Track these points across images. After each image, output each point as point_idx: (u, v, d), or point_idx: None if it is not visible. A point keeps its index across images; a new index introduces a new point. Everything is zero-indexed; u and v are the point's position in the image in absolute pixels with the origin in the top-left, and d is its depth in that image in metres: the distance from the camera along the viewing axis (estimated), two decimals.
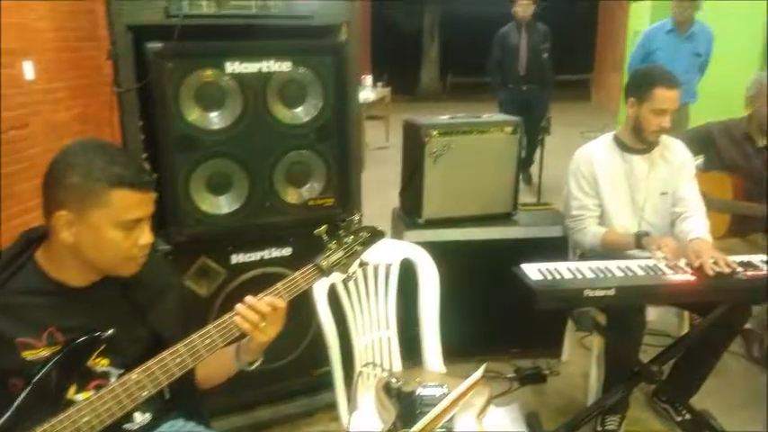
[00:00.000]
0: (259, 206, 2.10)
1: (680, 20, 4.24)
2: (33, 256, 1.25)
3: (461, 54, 14.23)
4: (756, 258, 2.01)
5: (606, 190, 2.33)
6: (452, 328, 2.62)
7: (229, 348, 1.35)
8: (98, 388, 1.21)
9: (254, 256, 2.16)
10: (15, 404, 1.14)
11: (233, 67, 1.98)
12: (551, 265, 1.99)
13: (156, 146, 1.96)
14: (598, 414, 2.19)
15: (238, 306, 1.26)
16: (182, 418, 1.41)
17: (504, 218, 2.79)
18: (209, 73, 1.96)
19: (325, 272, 1.37)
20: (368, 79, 7.98)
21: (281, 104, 2.07)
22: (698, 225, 2.23)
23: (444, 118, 2.76)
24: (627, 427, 2.30)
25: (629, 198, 2.34)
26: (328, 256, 1.37)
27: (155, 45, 1.88)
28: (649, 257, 2.05)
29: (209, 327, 1.24)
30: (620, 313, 2.06)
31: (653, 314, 2.62)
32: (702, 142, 2.73)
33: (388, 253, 1.88)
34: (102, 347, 1.25)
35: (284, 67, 2.03)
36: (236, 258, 2.14)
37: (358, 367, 1.78)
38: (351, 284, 1.77)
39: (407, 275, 1.96)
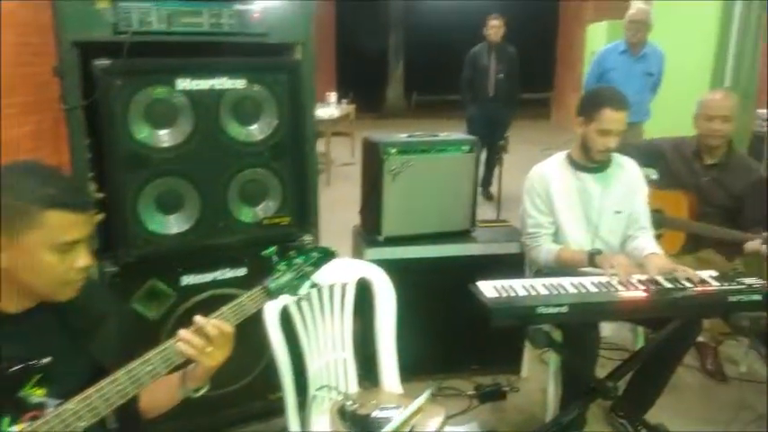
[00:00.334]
0: (211, 226, 2.06)
1: (633, 41, 4.37)
2: None
3: (426, 73, 14.45)
4: (706, 274, 2.05)
5: (560, 207, 2.36)
6: (412, 346, 2.60)
7: (175, 375, 1.30)
8: (34, 419, 1.15)
9: (206, 277, 2.10)
10: None
11: (184, 84, 1.94)
12: (506, 283, 2.00)
13: (104, 164, 1.91)
14: (556, 431, 2.19)
15: (181, 332, 1.22)
16: None
17: (463, 235, 2.81)
18: (159, 90, 1.92)
19: (273, 294, 1.34)
20: (332, 96, 7.98)
21: (235, 122, 2.04)
22: (650, 242, 2.29)
23: (403, 136, 2.77)
24: None
25: (582, 216, 2.37)
26: (277, 278, 1.34)
27: (102, 62, 1.84)
28: (602, 274, 2.07)
29: (152, 352, 1.20)
30: (575, 329, 2.08)
31: (608, 329, 2.66)
32: (653, 156, 2.79)
33: (344, 272, 1.85)
34: (37, 377, 1.19)
35: (238, 84, 2.01)
36: (187, 280, 2.08)
37: (312, 391, 1.73)
38: (305, 305, 1.73)
39: (366, 294, 1.94)
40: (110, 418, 1.26)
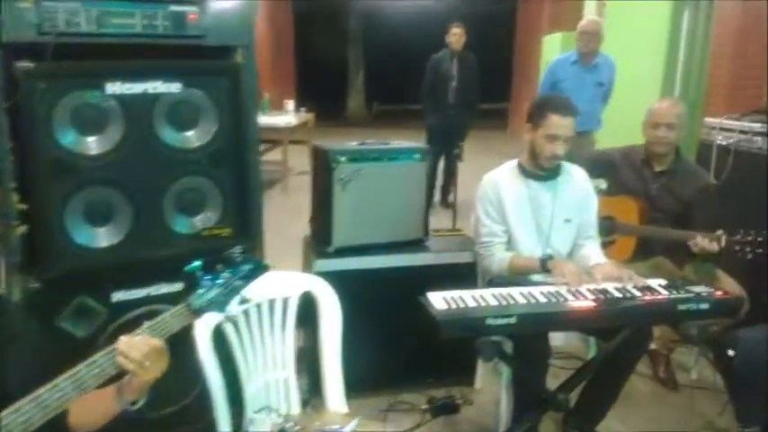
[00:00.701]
0: (145, 238, 1.94)
1: (584, 51, 4.42)
2: None
3: (386, 83, 14.53)
4: (655, 282, 2.03)
5: (512, 215, 2.33)
6: (364, 360, 2.53)
7: (108, 388, 1.24)
8: None
9: (139, 292, 1.98)
10: None
11: (114, 88, 1.83)
12: (456, 294, 1.94)
13: (27, 172, 1.78)
14: None
15: (121, 344, 1.17)
16: None
17: (416, 245, 2.75)
18: (87, 94, 1.81)
19: (197, 312, 1.25)
20: (290, 104, 7.88)
21: (170, 128, 1.94)
22: (596, 251, 2.30)
23: (353, 144, 2.71)
24: None
25: (533, 224, 2.35)
26: (202, 295, 1.26)
27: (24, 64, 1.72)
28: (553, 283, 2.05)
29: (80, 366, 1.14)
30: (524, 340, 2.03)
31: (560, 338, 2.63)
32: (604, 166, 2.80)
33: (286, 286, 1.76)
34: None
35: (173, 88, 1.90)
36: (118, 296, 1.96)
37: (250, 413, 1.63)
38: (241, 322, 1.63)
39: (313, 309, 1.85)
40: None
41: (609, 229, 2.72)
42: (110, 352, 1.17)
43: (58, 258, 1.83)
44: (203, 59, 1.99)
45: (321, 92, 14.21)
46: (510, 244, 2.36)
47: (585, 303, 1.88)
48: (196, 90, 1.94)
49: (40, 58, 1.72)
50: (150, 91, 1.88)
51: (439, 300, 1.90)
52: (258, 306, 1.66)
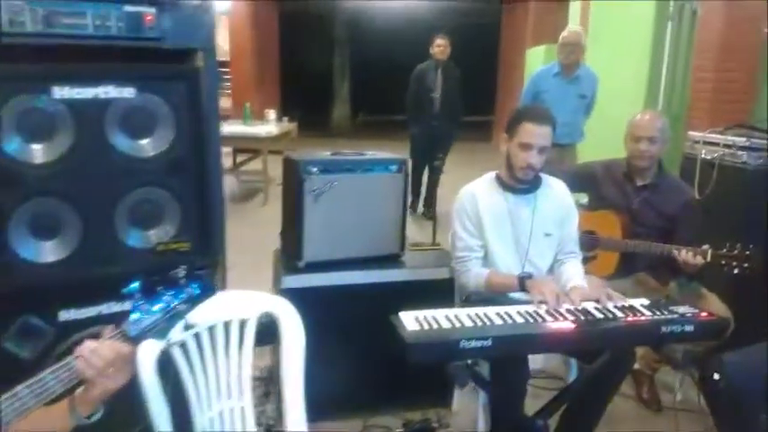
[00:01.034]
0: (95, 253, 1.80)
1: (565, 63, 4.37)
2: None
3: (372, 93, 14.48)
4: (637, 302, 1.94)
5: (489, 229, 2.24)
6: (337, 381, 2.41)
7: (58, 404, 1.17)
8: None
9: (89, 311, 1.84)
10: None
11: (63, 92, 1.70)
12: (429, 313, 1.84)
13: None
14: None
15: (83, 350, 1.11)
16: None
17: (391, 260, 2.64)
18: (33, 98, 1.68)
19: (133, 339, 1.13)
20: (271, 113, 7.77)
21: (124, 135, 1.81)
22: (576, 270, 2.22)
23: (326, 154, 2.60)
24: None
25: (512, 238, 2.25)
26: (138, 320, 1.14)
27: None
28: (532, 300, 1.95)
29: (44, 373, 1.10)
30: (501, 363, 1.93)
31: (540, 360, 2.53)
32: (585, 180, 2.72)
33: (244, 306, 1.63)
34: None
35: (126, 93, 1.78)
36: (67, 315, 1.81)
37: None
38: (192, 347, 1.50)
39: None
40: None
41: (591, 244, 2.63)
42: (68, 363, 1.12)
43: (1, 274, 1.69)
44: (162, 63, 1.87)
45: (306, 101, 14.13)
46: (487, 259, 2.26)
47: (565, 325, 1.79)
48: (152, 95, 1.81)
49: None
50: (102, 96, 1.75)
51: (411, 320, 1.80)
52: (211, 329, 1.53)
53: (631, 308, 1.90)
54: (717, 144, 3.04)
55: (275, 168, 7.33)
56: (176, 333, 1.17)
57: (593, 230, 2.65)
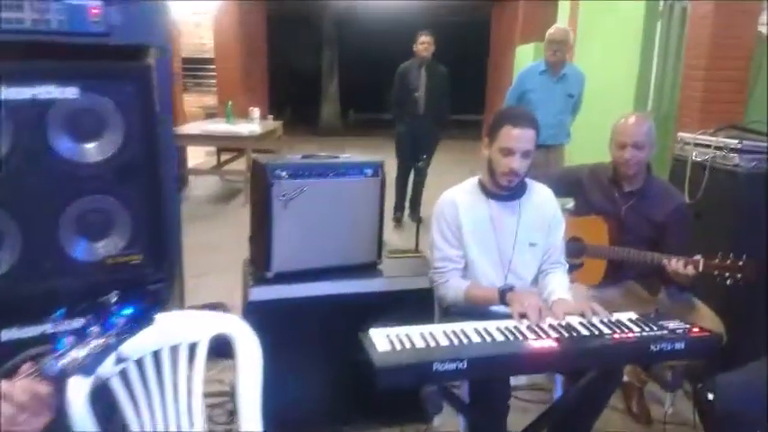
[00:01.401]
0: (37, 266, 1.66)
1: (552, 60, 4.25)
2: None
3: (361, 91, 14.31)
4: (625, 317, 1.81)
5: (471, 239, 2.10)
6: (309, 397, 2.28)
7: None
8: None
9: (33, 330, 1.69)
10: None
11: None
12: (403, 331, 1.70)
13: None
14: None
15: None
16: None
17: (367, 269, 2.49)
18: None
19: (56, 377, 0.98)
20: (255, 112, 7.63)
21: (68, 138, 1.67)
22: (561, 281, 2.09)
23: (296, 158, 2.45)
24: None
25: (495, 248, 2.11)
26: (60, 356, 0.99)
27: None
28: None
29: None
30: (480, 384, 1.79)
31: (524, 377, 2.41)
32: (571, 186, 2.59)
33: (193, 328, 1.49)
34: None
35: (69, 93, 1.63)
36: (8, 335, 1.67)
37: None
38: (133, 375, 1.36)
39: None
40: None
41: (577, 251, 2.50)
42: None
43: None
44: (106, 60, 1.72)
45: (294, 100, 13.95)
46: (468, 269, 2.13)
47: (547, 343, 1.65)
48: (98, 95, 1.67)
49: None
50: (42, 96, 1.61)
51: (382, 339, 1.66)
52: (156, 354, 1.39)
53: (618, 323, 1.77)
54: (708, 146, 2.92)
55: None
56: (107, 367, 1.01)
57: (579, 237, 2.52)
